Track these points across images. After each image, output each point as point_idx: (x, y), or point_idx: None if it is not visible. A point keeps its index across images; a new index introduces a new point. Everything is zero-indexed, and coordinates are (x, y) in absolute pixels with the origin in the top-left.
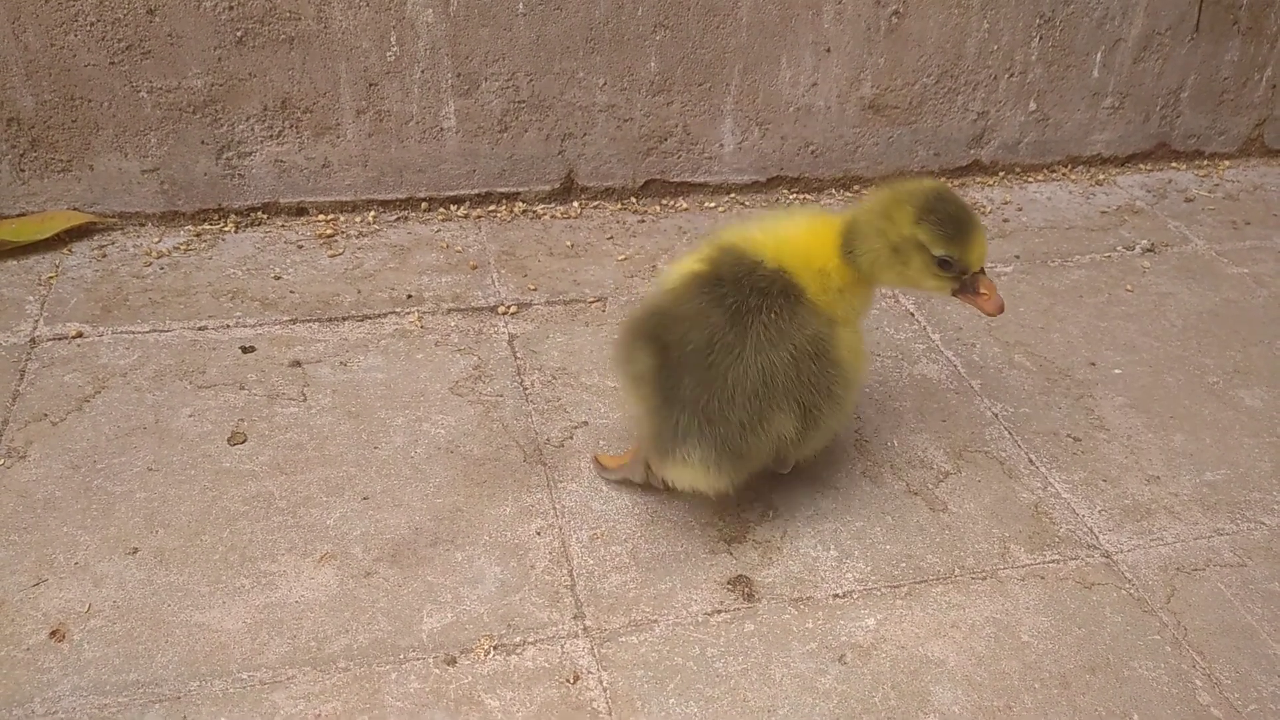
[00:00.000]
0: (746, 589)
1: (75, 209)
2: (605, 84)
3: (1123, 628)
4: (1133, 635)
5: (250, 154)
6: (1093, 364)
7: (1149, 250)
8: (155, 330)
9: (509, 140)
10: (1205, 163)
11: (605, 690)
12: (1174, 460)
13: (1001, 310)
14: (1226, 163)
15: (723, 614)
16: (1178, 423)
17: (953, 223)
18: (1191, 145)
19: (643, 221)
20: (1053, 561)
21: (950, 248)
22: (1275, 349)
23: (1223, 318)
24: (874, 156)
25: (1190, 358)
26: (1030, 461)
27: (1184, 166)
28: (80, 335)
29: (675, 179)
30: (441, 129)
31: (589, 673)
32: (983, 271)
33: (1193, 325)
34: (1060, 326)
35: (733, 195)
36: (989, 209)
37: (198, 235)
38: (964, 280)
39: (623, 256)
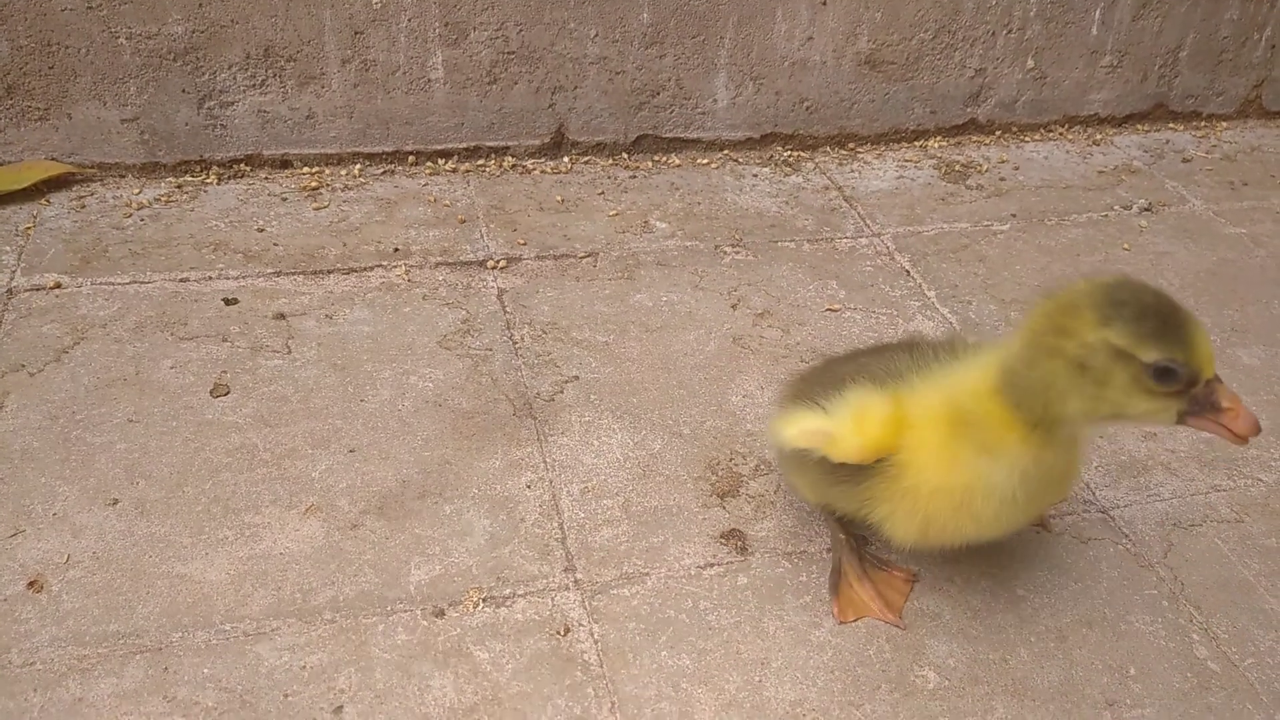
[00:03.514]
0: (740, 543)
1: (53, 159)
2: (596, 35)
3: (1119, 582)
4: (1129, 590)
5: (232, 104)
6: None
7: (1146, 210)
8: (135, 282)
9: (498, 92)
10: (1203, 124)
11: (596, 642)
12: None
13: (1257, 431)
14: (1224, 124)
15: (716, 567)
16: None
17: (1156, 315)
18: (1189, 106)
19: (634, 177)
20: (1049, 517)
21: (1167, 348)
22: (1273, 308)
23: (1220, 277)
24: (869, 114)
25: None
26: None
27: (1182, 127)
28: (58, 286)
29: (668, 134)
30: (429, 80)
31: (580, 625)
32: (1218, 379)
33: (1190, 284)
34: (1057, 285)
35: (726, 152)
36: (985, 168)
37: (179, 187)
38: (1194, 394)
39: (614, 212)
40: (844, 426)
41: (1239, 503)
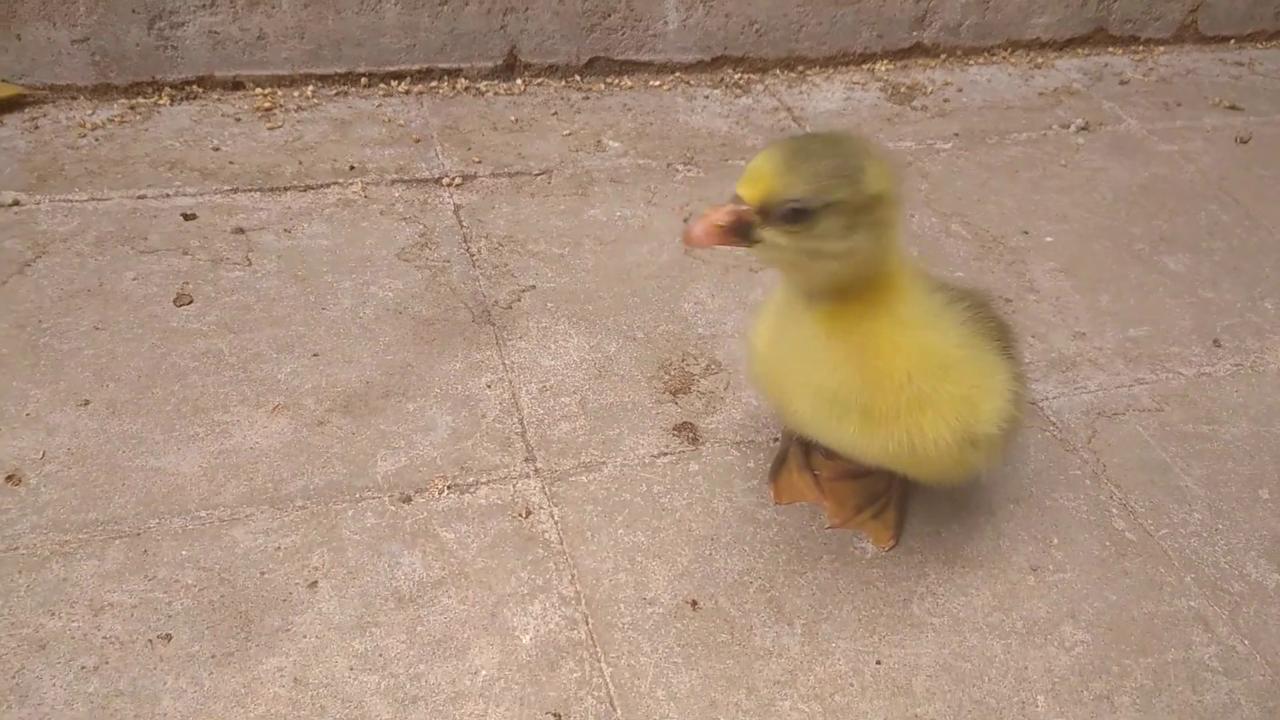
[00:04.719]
0: (691, 434)
1: (4, 81)
2: None
3: (1045, 464)
4: (1055, 471)
5: (183, 24)
6: (1025, 233)
7: (1083, 129)
8: (94, 199)
9: (449, 13)
10: (1140, 48)
11: (556, 523)
12: (1099, 318)
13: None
14: (1161, 48)
15: (668, 456)
16: (1104, 285)
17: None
18: (1128, 30)
19: (587, 99)
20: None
21: None
22: (1199, 219)
23: (1151, 191)
24: (818, 36)
25: (1119, 227)
26: None
27: (1120, 51)
28: (17, 203)
29: (620, 57)
30: (379, 0)
31: (540, 508)
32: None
33: (1122, 198)
34: (996, 199)
35: (677, 74)
36: (930, 90)
37: (132, 108)
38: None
39: (567, 132)
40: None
41: (1160, 394)
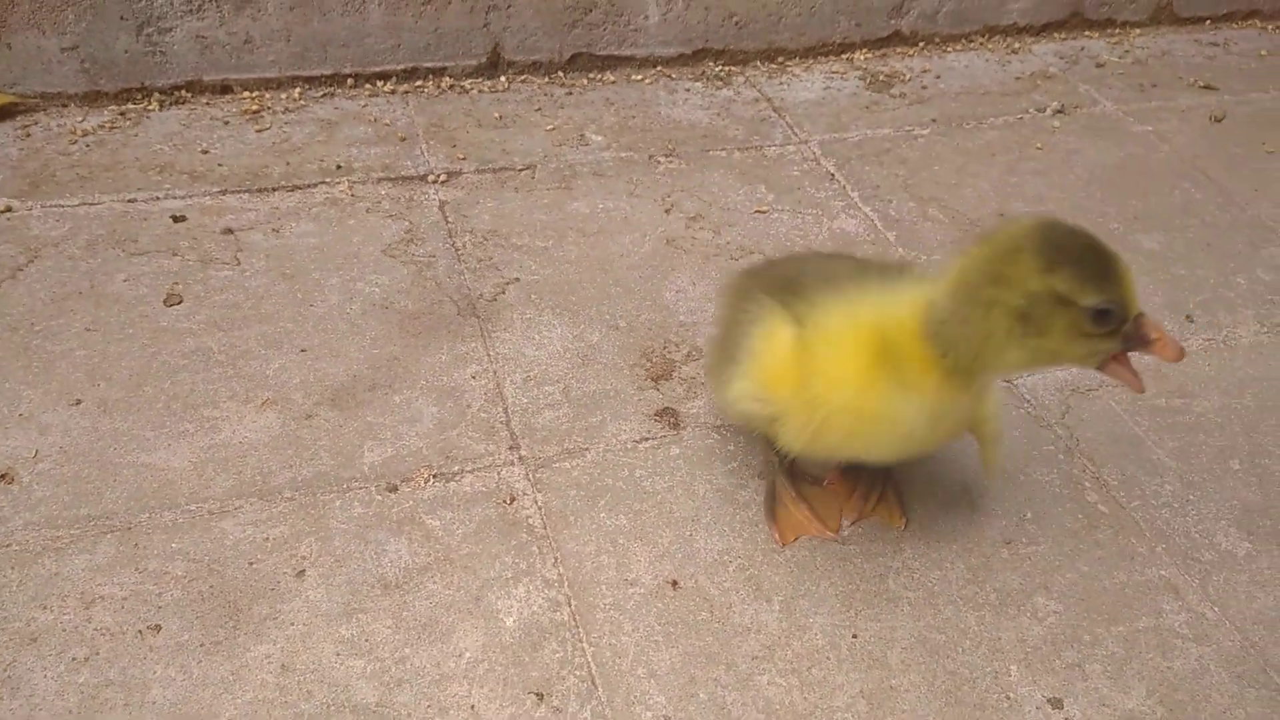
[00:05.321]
0: (672, 419)
1: None
2: None
3: (1020, 441)
4: (1029, 446)
5: (171, 30)
6: (1002, 214)
7: (1059, 111)
8: (84, 204)
9: (433, 13)
10: (1117, 31)
11: (540, 509)
12: None
13: (1183, 355)
14: (1137, 31)
15: (650, 441)
16: None
17: (1094, 257)
18: (1104, 14)
19: (570, 94)
20: None
21: (1104, 290)
22: (1173, 198)
23: (1126, 171)
24: (797, 27)
25: (1094, 207)
26: None
27: (1097, 35)
28: (9, 210)
29: (602, 52)
30: (364, 1)
31: (524, 494)
32: (1143, 313)
33: (1098, 178)
34: (973, 182)
35: (659, 68)
36: (908, 77)
37: (122, 114)
38: (1125, 332)
39: (550, 127)
40: (756, 378)
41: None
